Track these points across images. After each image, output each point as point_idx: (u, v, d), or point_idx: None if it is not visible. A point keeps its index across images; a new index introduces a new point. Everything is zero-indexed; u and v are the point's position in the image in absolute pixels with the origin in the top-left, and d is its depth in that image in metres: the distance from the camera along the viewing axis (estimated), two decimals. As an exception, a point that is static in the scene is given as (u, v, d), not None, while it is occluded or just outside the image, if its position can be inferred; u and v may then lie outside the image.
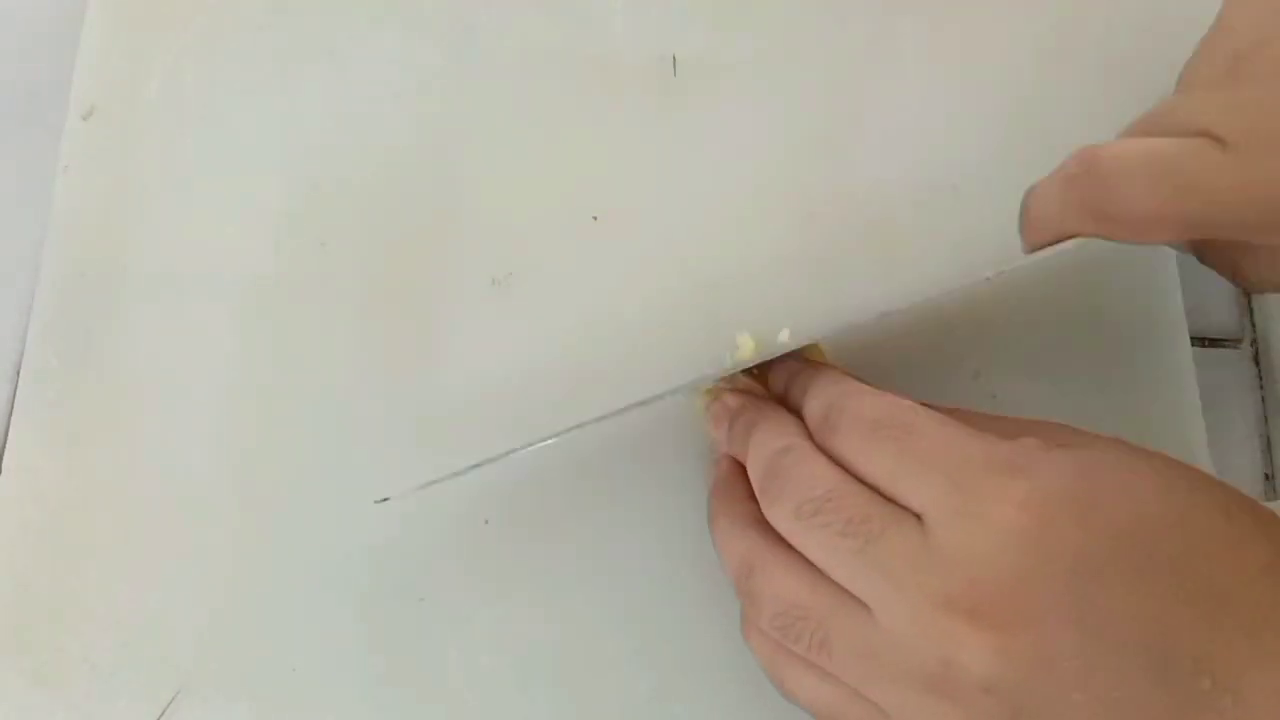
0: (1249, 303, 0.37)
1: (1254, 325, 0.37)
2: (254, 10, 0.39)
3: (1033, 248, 0.29)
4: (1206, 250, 0.28)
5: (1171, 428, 0.34)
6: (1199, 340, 0.36)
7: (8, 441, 0.35)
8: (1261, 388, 0.36)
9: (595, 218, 0.37)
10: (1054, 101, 0.38)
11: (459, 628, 0.33)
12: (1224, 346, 0.37)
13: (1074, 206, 0.27)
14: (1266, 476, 0.35)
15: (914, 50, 0.39)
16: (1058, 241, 0.28)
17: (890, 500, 0.26)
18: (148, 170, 0.37)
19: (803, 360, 0.32)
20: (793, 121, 0.38)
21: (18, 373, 0.35)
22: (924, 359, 0.35)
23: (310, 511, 0.34)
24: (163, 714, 0.32)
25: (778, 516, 0.27)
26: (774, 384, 0.32)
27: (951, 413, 0.28)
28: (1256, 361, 0.36)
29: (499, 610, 0.33)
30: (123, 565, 0.33)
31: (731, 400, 0.32)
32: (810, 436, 0.28)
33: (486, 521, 0.34)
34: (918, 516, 0.25)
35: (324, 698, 0.32)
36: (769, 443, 0.28)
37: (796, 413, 0.29)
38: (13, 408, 0.35)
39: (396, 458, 0.34)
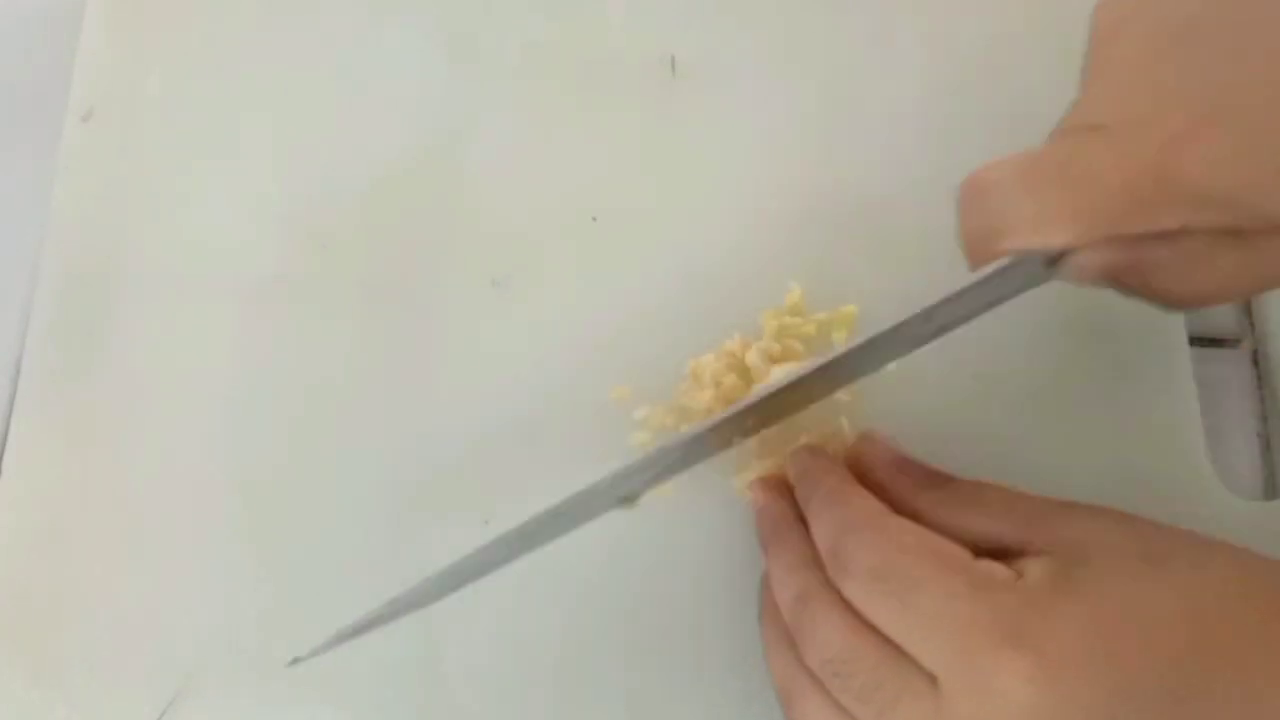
0: (1248, 303, 0.37)
1: (1253, 325, 0.37)
2: (252, 12, 0.39)
3: (974, 268, 0.28)
4: (1120, 275, 0.27)
5: (1170, 428, 0.34)
6: (1199, 340, 0.36)
7: (8, 442, 0.35)
8: (1261, 388, 0.36)
9: (594, 218, 0.37)
10: (1054, 101, 0.38)
11: (459, 628, 0.33)
12: (1224, 347, 0.37)
13: (973, 233, 0.27)
14: (1266, 476, 0.35)
15: (913, 50, 0.39)
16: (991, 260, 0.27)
17: (905, 656, 0.25)
18: (147, 172, 0.37)
19: (808, 454, 0.31)
20: (791, 122, 0.38)
21: (18, 373, 0.35)
22: (924, 360, 0.35)
23: (311, 510, 0.34)
24: (163, 714, 0.32)
25: (811, 666, 0.27)
26: (791, 474, 0.31)
27: (969, 486, 0.28)
28: (1256, 362, 0.36)
29: (499, 610, 0.33)
30: (123, 565, 0.33)
31: (757, 495, 0.32)
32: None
33: (487, 522, 0.34)
34: (932, 676, 0.24)
35: (324, 697, 0.32)
36: (786, 582, 0.28)
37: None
38: (13, 408, 0.35)
39: (396, 458, 0.34)
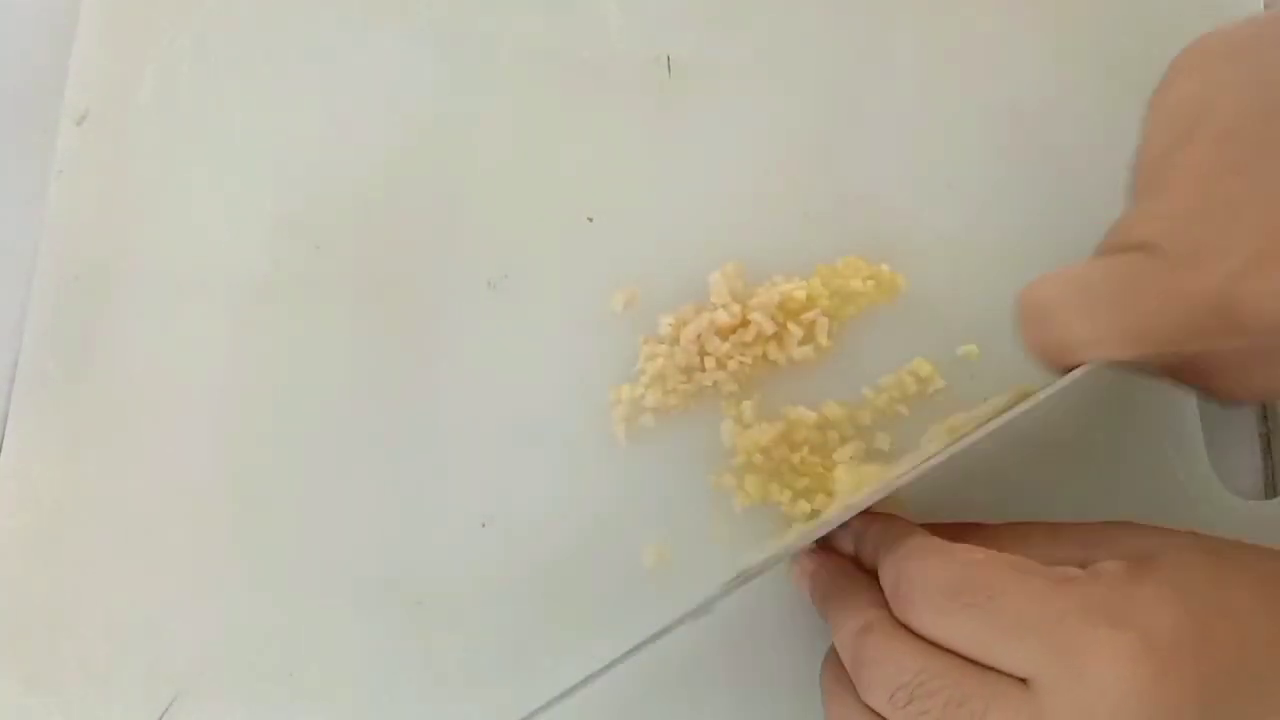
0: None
1: (1253, 325, 0.37)
2: (247, 14, 0.39)
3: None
4: (1179, 371, 0.27)
5: (1170, 428, 0.34)
6: (1198, 340, 0.36)
7: (3, 447, 0.34)
8: (1261, 388, 0.36)
9: (590, 219, 0.36)
10: (1051, 101, 0.38)
11: (457, 629, 0.33)
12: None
13: (1031, 345, 0.28)
14: (1266, 476, 0.35)
15: (910, 50, 0.38)
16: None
17: (987, 668, 0.24)
18: (142, 174, 0.37)
19: (865, 515, 0.30)
20: (788, 122, 0.38)
21: (14, 376, 0.35)
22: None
23: (307, 515, 0.34)
24: (160, 717, 0.32)
25: (875, 704, 0.26)
26: (842, 547, 0.31)
27: (1009, 529, 0.28)
28: (1256, 361, 0.36)
29: (498, 611, 0.33)
30: (119, 569, 0.33)
31: (807, 563, 0.31)
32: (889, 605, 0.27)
33: (483, 525, 0.34)
34: (1022, 681, 0.24)
35: (322, 702, 0.32)
36: (846, 623, 0.27)
37: (873, 572, 0.28)
38: (8, 412, 0.35)
39: (393, 459, 0.34)
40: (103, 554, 0.33)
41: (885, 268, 0.35)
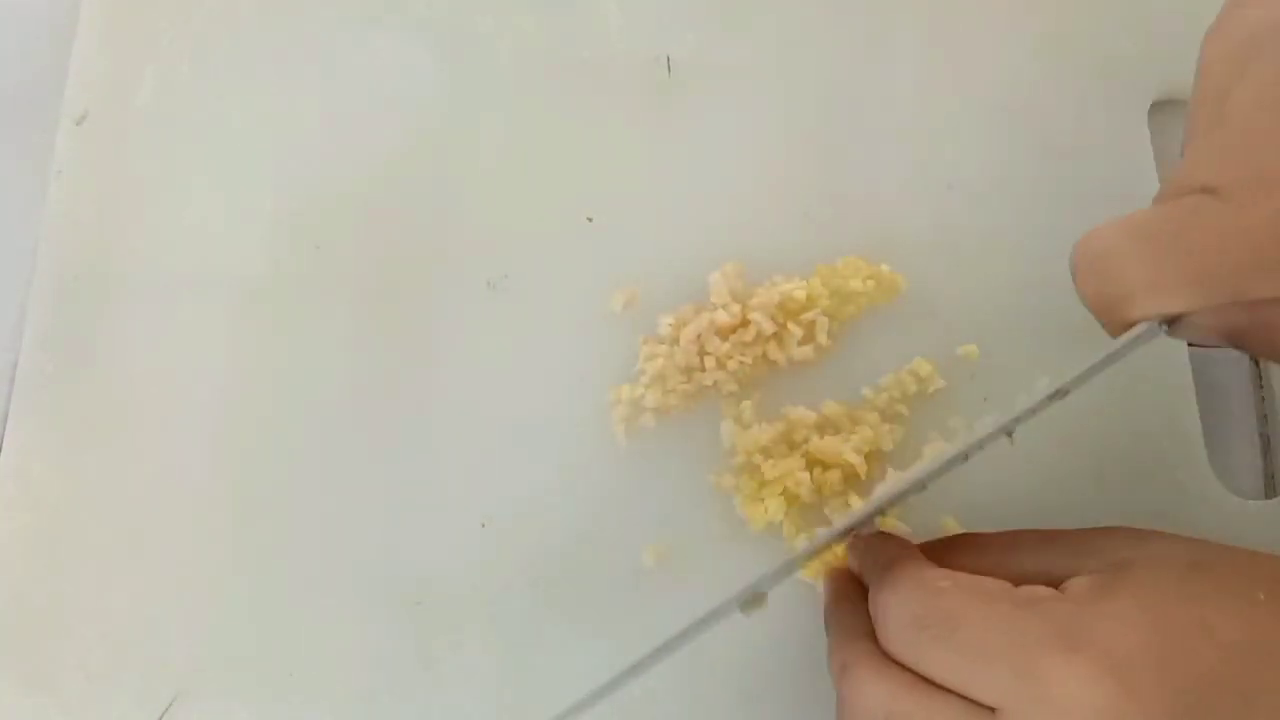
0: (1248, 302, 0.37)
1: (1254, 325, 0.37)
2: (246, 14, 0.39)
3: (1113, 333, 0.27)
4: (1242, 336, 0.26)
5: (1170, 428, 0.34)
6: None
7: (3, 447, 0.34)
8: (1261, 388, 0.36)
9: (590, 219, 0.36)
10: (1050, 100, 0.38)
11: (456, 630, 0.33)
12: (1224, 347, 0.36)
13: (1090, 300, 0.26)
14: (1266, 477, 0.35)
15: (910, 50, 0.38)
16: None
17: (960, 697, 0.24)
18: (141, 175, 0.37)
19: (868, 537, 0.30)
20: (788, 122, 0.38)
21: (13, 377, 0.35)
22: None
23: (307, 515, 0.34)
24: (161, 717, 0.32)
25: None
26: (850, 564, 0.30)
27: (998, 539, 0.28)
28: (1256, 362, 0.36)
29: (497, 610, 0.33)
30: (119, 570, 0.33)
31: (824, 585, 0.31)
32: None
33: (483, 525, 0.34)
34: (991, 710, 0.24)
35: (321, 702, 0.32)
36: (833, 657, 0.28)
37: None
38: (8, 412, 0.35)
39: (393, 459, 0.34)
40: (103, 554, 0.33)
41: (885, 268, 0.35)
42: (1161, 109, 0.38)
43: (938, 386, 0.34)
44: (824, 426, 0.33)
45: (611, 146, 0.37)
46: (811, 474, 0.32)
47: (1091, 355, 0.26)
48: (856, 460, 0.32)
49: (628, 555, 0.33)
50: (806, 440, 0.33)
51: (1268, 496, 0.35)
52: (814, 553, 0.29)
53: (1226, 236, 0.24)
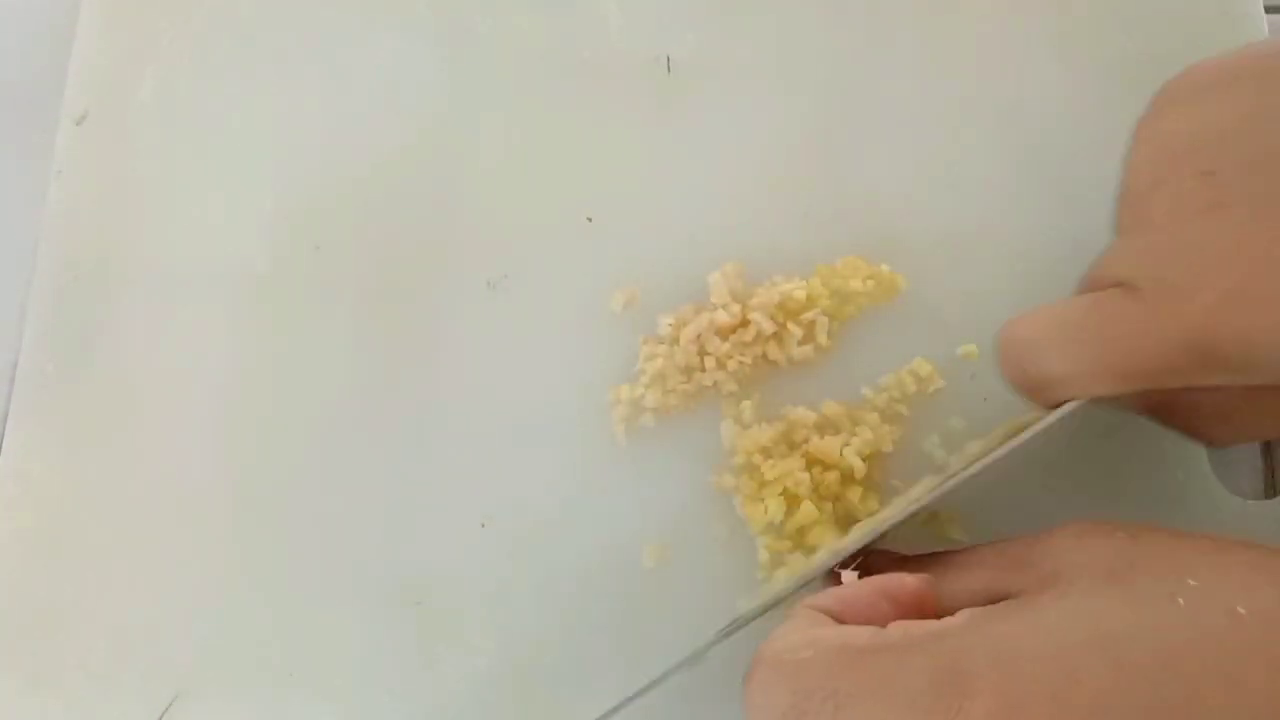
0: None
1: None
2: (247, 13, 0.39)
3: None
4: (1163, 412, 0.28)
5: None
6: (1198, 340, 0.36)
7: (3, 446, 0.35)
8: (1261, 388, 0.36)
9: (590, 219, 0.36)
10: (1051, 101, 0.38)
11: (457, 630, 0.33)
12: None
13: (1012, 383, 0.28)
14: (1266, 476, 0.35)
15: (910, 49, 0.38)
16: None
17: None
18: (141, 174, 0.37)
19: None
20: (788, 121, 0.37)
21: (14, 376, 0.35)
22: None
23: (307, 514, 0.34)
24: (161, 717, 0.32)
25: None
26: None
27: (965, 553, 0.27)
28: (1256, 361, 0.36)
29: (498, 610, 0.33)
30: (119, 569, 0.33)
31: None
32: None
33: (483, 525, 0.34)
34: None
35: (321, 701, 0.32)
36: None
37: None
38: (8, 412, 0.35)
39: (393, 459, 0.34)
40: (103, 554, 0.33)
41: (885, 268, 0.35)
42: (1162, 109, 0.38)
43: (937, 386, 0.34)
44: (824, 426, 0.33)
45: (611, 146, 0.37)
46: (811, 474, 0.32)
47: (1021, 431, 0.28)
48: (857, 464, 0.32)
49: (628, 555, 0.33)
50: (806, 440, 0.33)
51: (1268, 496, 0.35)
52: (787, 594, 0.30)
53: (1138, 336, 0.25)
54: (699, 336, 0.34)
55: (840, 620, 0.26)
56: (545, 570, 0.33)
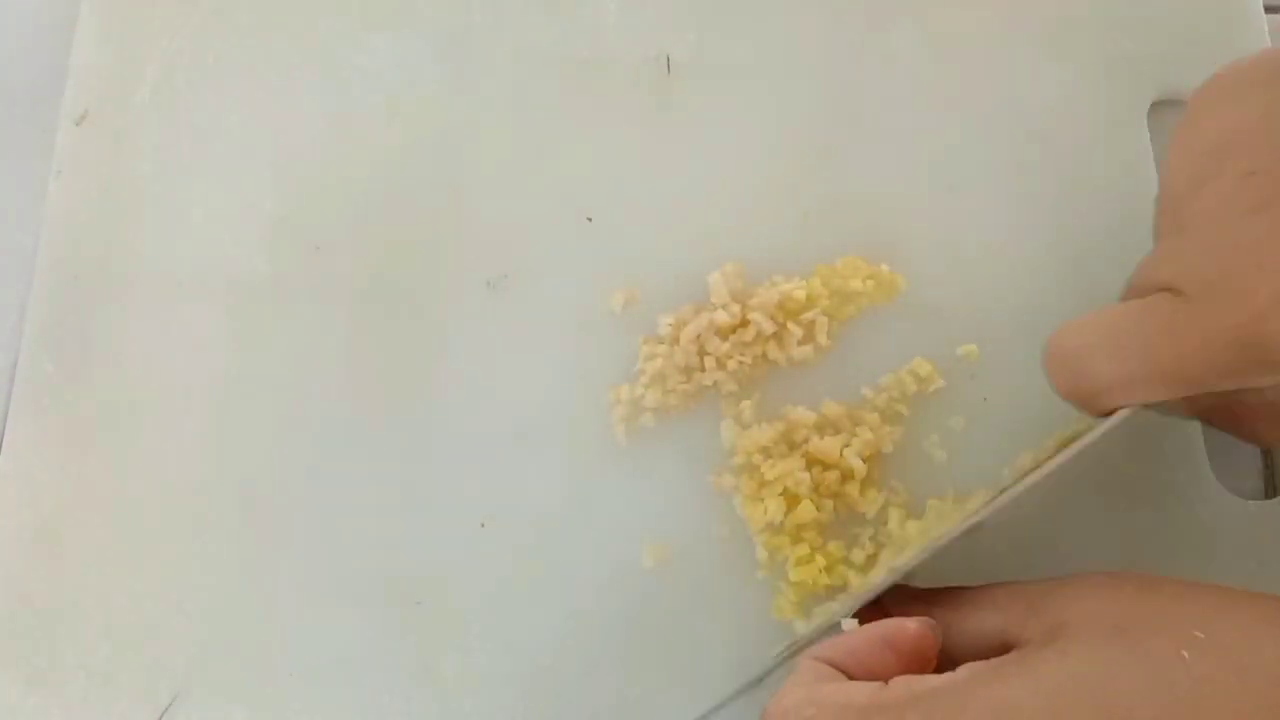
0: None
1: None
2: (246, 14, 0.39)
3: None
4: (1213, 415, 0.28)
5: (1170, 428, 0.34)
6: (1198, 340, 0.36)
7: (3, 447, 0.34)
8: (1261, 388, 0.36)
9: (589, 219, 0.36)
10: (1050, 100, 0.38)
11: (457, 630, 0.33)
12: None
13: (1063, 392, 0.28)
14: (1266, 477, 0.35)
15: (910, 50, 0.38)
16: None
17: None
18: (141, 175, 0.37)
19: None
20: (787, 122, 0.37)
21: (13, 377, 0.35)
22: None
23: (307, 514, 0.34)
24: (160, 718, 0.32)
25: None
26: None
27: (978, 592, 0.27)
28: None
29: (498, 610, 0.33)
30: (119, 570, 0.33)
31: None
32: None
33: (483, 525, 0.34)
34: None
35: (321, 702, 0.32)
36: None
37: None
38: (8, 412, 0.35)
39: (393, 459, 0.34)
40: (103, 554, 0.33)
41: (885, 268, 0.35)
42: (1161, 109, 0.38)
43: (937, 386, 0.34)
44: (824, 427, 0.33)
45: (611, 146, 0.37)
46: (811, 474, 0.32)
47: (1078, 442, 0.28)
48: (858, 465, 0.32)
49: (628, 555, 0.33)
50: (806, 440, 0.33)
51: (1268, 496, 0.35)
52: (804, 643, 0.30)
53: (1189, 339, 0.25)
54: (699, 336, 0.34)
55: (846, 672, 0.26)
56: (545, 570, 0.33)
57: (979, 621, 0.27)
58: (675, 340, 0.34)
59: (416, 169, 0.37)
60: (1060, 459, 0.28)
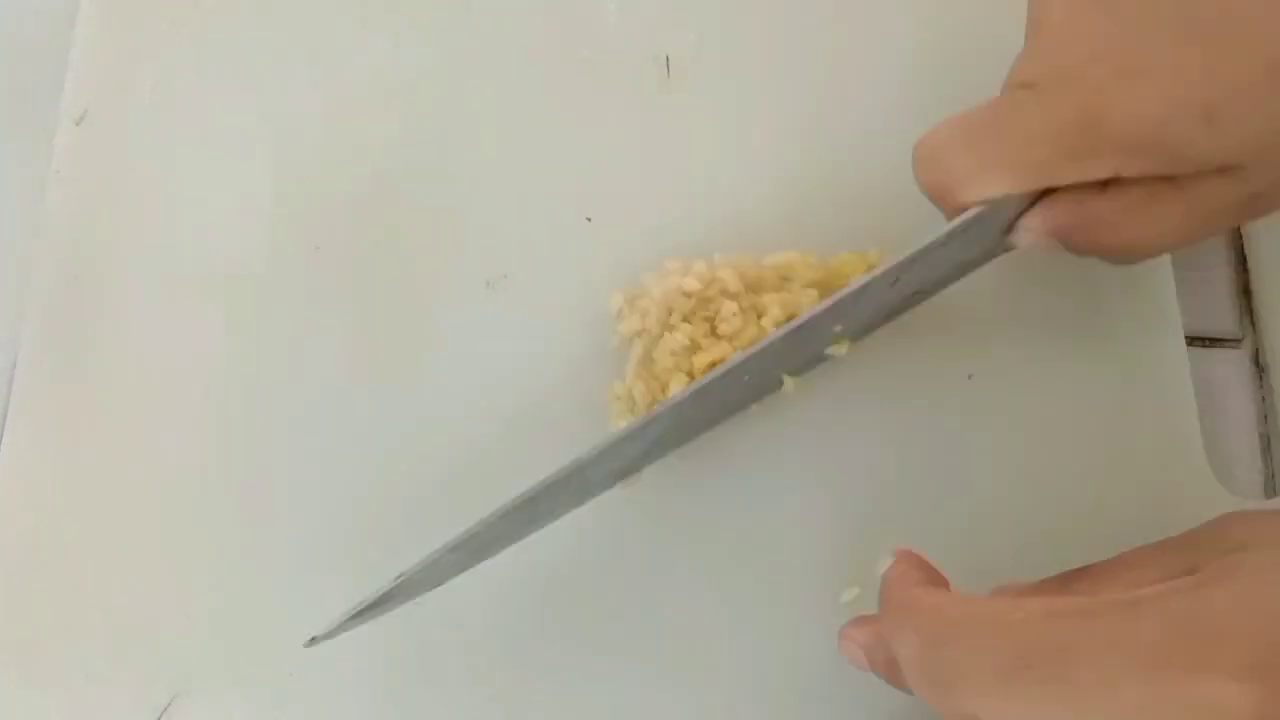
0: (1249, 303, 0.37)
1: (1254, 325, 0.37)
2: (245, 13, 0.39)
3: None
4: (1068, 233, 0.28)
5: (1170, 428, 0.34)
6: (1199, 340, 0.36)
7: (2, 445, 0.35)
8: (1261, 388, 0.36)
9: (589, 218, 0.36)
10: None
11: (457, 629, 0.33)
12: (1224, 346, 0.36)
13: (926, 188, 0.29)
14: (1266, 477, 0.35)
15: (909, 49, 0.38)
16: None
17: None
18: (140, 173, 0.37)
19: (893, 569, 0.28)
20: (786, 120, 0.37)
21: (12, 374, 0.35)
22: (919, 363, 0.35)
23: (306, 514, 0.34)
24: (159, 717, 0.32)
25: None
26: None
27: (1108, 567, 0.27)
28: (1256, 361, 0.36)
29: (497, 612, 0.33)
30: (118, 568, 0.33)
31: (858, 635, 0.29)
32: None
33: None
34: None
35: (321, 701, 0.32)
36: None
37: None
38: (8, 412, 0.35)
39: (389, 459, 0.34)
40: (102, 554, 0.33)
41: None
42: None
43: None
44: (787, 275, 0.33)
45: (610, 145, 0.37)
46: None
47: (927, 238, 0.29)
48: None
49: (627, 555, 0.33)
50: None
51: (1268, 496, 0.35)
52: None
53: (1036, 128, 0.27)
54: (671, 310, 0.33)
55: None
56: (544, 569, 0.33)
57: (1135, 578, 0.25)
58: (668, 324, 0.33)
59: (416, 169, 0.37)
60: (912, 251, 0.29)
